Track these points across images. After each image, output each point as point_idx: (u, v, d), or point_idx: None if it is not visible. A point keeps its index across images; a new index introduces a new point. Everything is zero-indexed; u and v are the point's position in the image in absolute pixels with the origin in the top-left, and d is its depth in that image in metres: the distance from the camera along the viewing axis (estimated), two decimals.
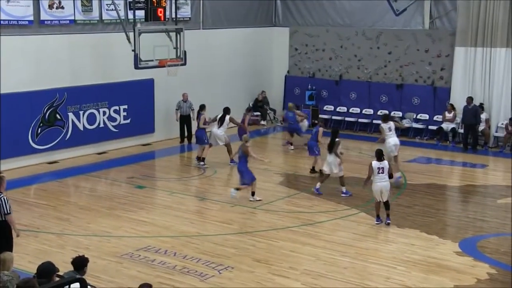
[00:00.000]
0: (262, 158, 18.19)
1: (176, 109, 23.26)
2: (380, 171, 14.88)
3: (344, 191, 17.40)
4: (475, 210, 16.89)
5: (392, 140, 18.72)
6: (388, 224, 15.04)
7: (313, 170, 19.61)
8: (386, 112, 22.15)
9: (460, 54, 23.94)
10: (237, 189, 16.90)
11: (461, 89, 24.00)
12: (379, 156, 15.06)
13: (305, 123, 23.62)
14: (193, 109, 23.07)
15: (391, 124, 19.06)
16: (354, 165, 20.42)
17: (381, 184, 14.92)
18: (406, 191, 18.12)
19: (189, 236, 14.33)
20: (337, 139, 17.43)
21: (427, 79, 25.15)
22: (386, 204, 15.14)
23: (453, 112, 23.75)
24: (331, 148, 17.24)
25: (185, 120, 23.38)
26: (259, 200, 16.81)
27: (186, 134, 23.54)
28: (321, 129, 19.41)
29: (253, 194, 16.91)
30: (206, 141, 20.49)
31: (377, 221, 15.19)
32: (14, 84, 19.25)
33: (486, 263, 12.97)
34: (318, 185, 17.59)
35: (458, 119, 23.77)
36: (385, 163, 15.00)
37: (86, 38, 21.13)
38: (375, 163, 14.96)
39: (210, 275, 12.24)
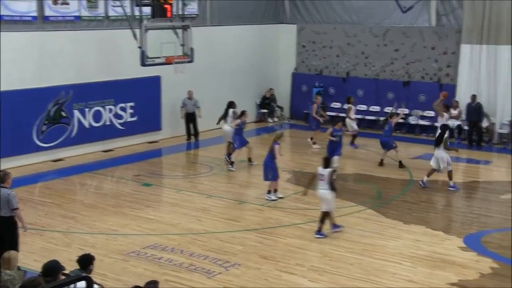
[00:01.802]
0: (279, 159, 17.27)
1: (182, 107, 23.23)
2: (321, 178, 14.07)
3: (452, 184, 17.73)
4: (479, 206, 16.90)
5: None
6: (317, 237, 13.97)
7: (401, 164, 19.88)
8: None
9: (466, 52, 23.98)
10: (269, 191, 16.84)
11: (466, 86, 24.07)
12: (325, 163, 14.21)
13: None
14: (199, 107, 23.05)
15: None
16: (359, 162, 20.52)
17: (319, 192, 14.17)
18: (412, 187, 18.11)
19: (196, 234, 14.31)
20: (446, 135, 17.70)
21: (433, 76, 25.10)
22: (322, 216, 14.13)
23: (458, 109, 23.72)
24: (439, 142, 17.46)
25: (190, 118, 23.35)
26: (281, 197, 16.80)
27: (192, 131, 23.52)
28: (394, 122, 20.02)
29: (275, 191, 16.84)
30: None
31: (333, 228, 14.27)
32: (18, 81, 19.20)
33: (489, 258, 13.04)
34: (425, 179, 17.89)
35: (464, 116, 23.75)
36: (326, 171, 14.03)
37: (91, 34, 21.08)
38: (319, 169, 14.21)
39: (217, 272, 12.22)
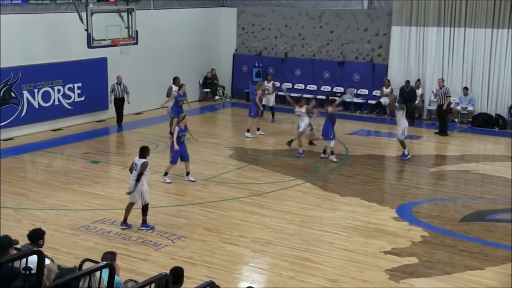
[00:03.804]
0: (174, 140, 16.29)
1: (111, 92, 22.30)
2: (134, 167, 12.98)
3: (406, 153, 18.21)
4: (410, 178, 17.17)
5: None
6: (142, 229, 12.95)
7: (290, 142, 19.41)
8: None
9: (396, 33, 24.28)
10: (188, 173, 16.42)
11: (397, 65, 24.43)
12: (140, 152, 13.05)
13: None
14: (128, 92, 22.26)
15: None
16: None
17: (129, 181, 13.18)
18: (348, 161, 18.30)
19: None
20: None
21: (366, 56, 25.34)
22: (142, 209, 13.07)
23: (390, 87, 24.06)
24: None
25: (118, 103, 22.41)
26: (193, 180, 16.22)
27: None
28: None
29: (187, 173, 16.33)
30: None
31: (122, 225, 13.07)
32: None
33: (420, 227, 13.30)
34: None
35: (395, 94, 24.09)
36: (138, 161, 12.91)
37: (39, 17, 20.65)
38: (135, 159, 13.17)
39: (164, 244, 12.20)
